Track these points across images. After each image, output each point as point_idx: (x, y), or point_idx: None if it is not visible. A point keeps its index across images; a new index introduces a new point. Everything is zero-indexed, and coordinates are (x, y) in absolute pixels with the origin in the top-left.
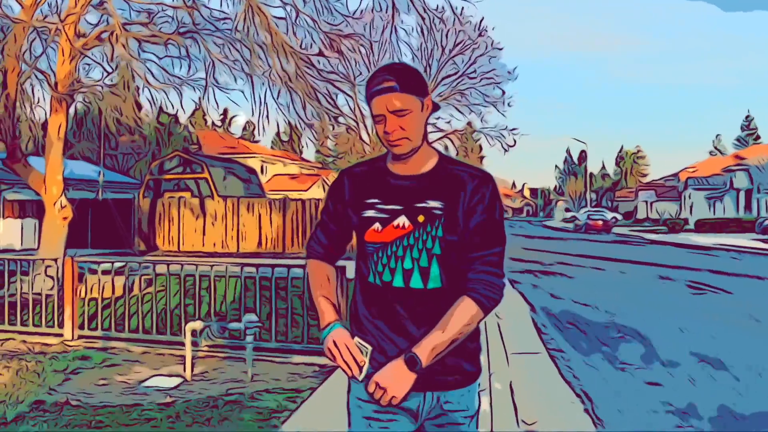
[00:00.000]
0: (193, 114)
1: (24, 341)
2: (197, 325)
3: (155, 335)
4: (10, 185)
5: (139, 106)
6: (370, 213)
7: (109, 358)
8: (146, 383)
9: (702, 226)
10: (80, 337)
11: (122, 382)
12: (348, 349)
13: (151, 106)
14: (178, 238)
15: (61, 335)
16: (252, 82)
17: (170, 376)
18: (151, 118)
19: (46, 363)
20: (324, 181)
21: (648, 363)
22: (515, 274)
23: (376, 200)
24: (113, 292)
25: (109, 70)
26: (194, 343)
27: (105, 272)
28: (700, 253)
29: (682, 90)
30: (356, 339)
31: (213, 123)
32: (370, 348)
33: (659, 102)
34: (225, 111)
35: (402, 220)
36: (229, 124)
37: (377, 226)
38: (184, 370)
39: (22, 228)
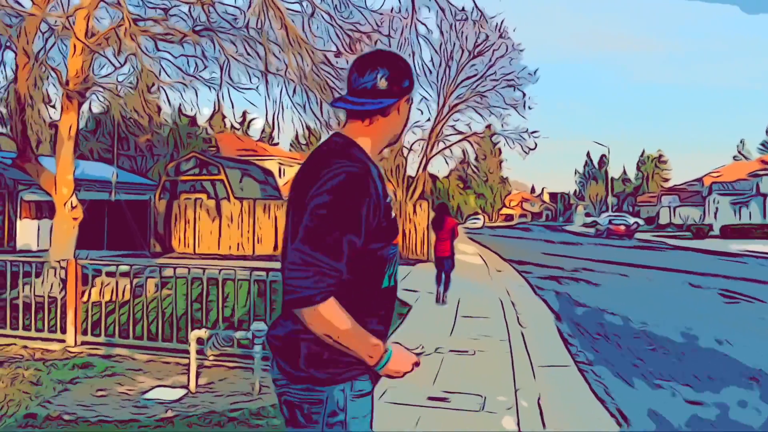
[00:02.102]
0: (212, 116)
1: (25, 347)
2: (202, 333)
3: (161, 342)
4: (27, 186)
5: (159, 108)
6: (393, 213)
7: (111, 367)
8: (148, 395)
9: (727, 232)
10: (83, 343)
11: (123, 393)
12: (417, 364)
13: (169, 105)
14: (193, 240)
15: (63, 341)
16: (266, 80)
17: (173, 387)
18: (170, 120)
19: (43, 372)
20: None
21: (687, 379)
22: (538, 280)
23: (388, 199)
24: (117, 297)
25: (124, 69)
26: (200, 352)
27: (109, 274)
28: (728, 260)
29: (705, 93)
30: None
31: (232, 125)
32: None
33: (681, 105)
34: (244, 113)
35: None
36: (248, 126)
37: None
38: (189, 381)
39: (38, 229)
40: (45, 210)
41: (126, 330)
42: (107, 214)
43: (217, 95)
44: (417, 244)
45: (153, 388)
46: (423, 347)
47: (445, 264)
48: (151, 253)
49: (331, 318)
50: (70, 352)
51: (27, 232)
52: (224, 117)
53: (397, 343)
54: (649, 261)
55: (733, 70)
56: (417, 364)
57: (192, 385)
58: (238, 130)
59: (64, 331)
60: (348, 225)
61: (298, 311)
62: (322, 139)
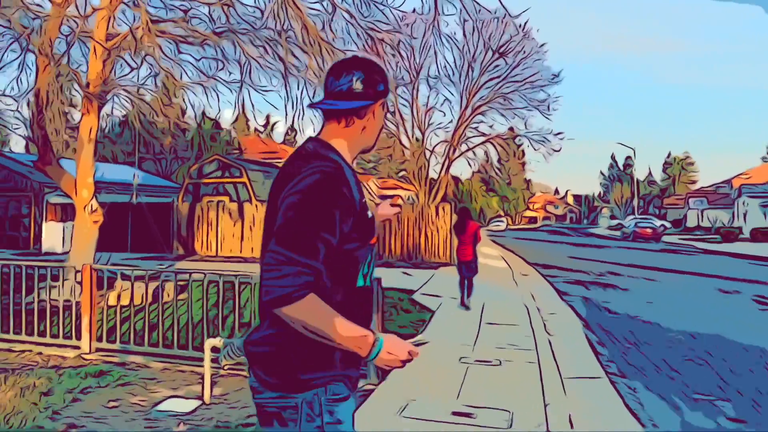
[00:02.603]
0: (236, 119)
1: (40, 353)
2: (217, 342)
3: (176, 350)
4: (53, 189)
5: (183, 111)
6: (370, 213)
7: (125, 375)
8: (160, 407)
9: (757, 236)
10: (98, 350)
11: (135, 404)
12: (414, 354)
13: (193, 109)
14: (216, 242)
15: (78, 348)
16: (286, 81)
17: (187, 398)
18: (193, 124)
19: (55, 380)
20: (365, 186)
21: (727, 393)
22: (564, 285)
23: (364, 199)
24: (133, 302)
25: (143, 72)
26: (216, 360)
27: (125, 278)
28: (760, 264)
29: (731, 94)
30: (410, 341)
31: (255, 128)
32: (421, 339)
33: (707, 106)
34: (267, 117)
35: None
36: (272, 128)
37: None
38: (203, 392)
39: (63, 231)
40: (70, 213)
41: (141, 337)
42: (130, 216)
43: (237, 97)
44: (439, 248)
45: (166, 399)
46: (422, 337)
47: (467, 268)
48: (174, 256)
49: (312, 313)
50: (84, 359)
51: (52, 235)
52: (248, 120)
53: (392, 332)
54: (678, 265)
55: (759, 71)
56: (414, 353)
57: (206, 396)
58: (261, 132)
59: (79, 337)
60: (321, 223)
61: (278, 311)
62: None
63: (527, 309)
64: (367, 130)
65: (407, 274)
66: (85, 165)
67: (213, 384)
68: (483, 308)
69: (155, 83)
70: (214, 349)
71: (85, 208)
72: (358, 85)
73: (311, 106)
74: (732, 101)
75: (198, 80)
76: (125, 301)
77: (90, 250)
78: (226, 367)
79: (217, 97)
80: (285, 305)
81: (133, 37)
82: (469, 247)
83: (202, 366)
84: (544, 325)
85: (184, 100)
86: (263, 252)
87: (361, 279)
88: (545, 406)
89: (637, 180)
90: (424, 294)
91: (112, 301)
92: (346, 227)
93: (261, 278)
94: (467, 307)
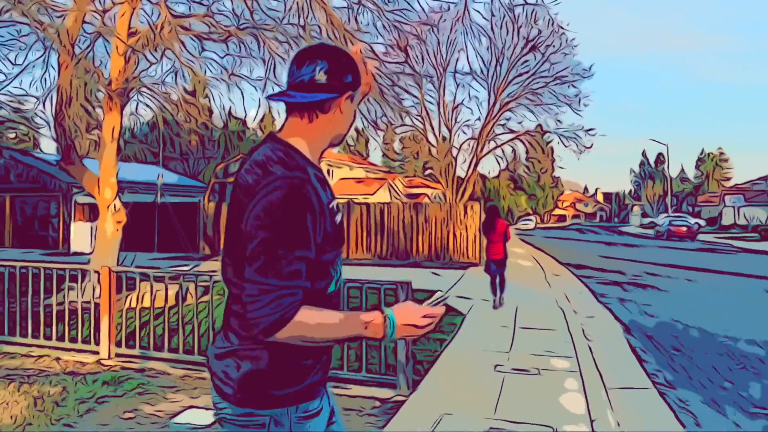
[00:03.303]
0: (262, 119)
1: (58, 359)
2: None
3: (196, 356)
4: (81, 189)
5: (210, 112)
6: (339, 217)
7: (143, 383)
8: (177, 419)
9: None
10: (117, 355)
11: (151, 415)
12: (434, 315)
13: (221, 108)
14: None
15: (97, 353)
16: None
17: (206, 409)
18: (220, 123)
19: (71, 388)
20: (390, 185)
21: None
22: (599, 286)
23: (333, 200)
24: (153, 305)
25: (165, 69)
26: None
27: (144, 279)
28: None
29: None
30: (425, 304)
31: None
32: (439, 294)
33: (742, 103)
34: None
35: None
36: None
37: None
38: None
39: (92, 231)
40: (98, 212)
41: (161, 342)
42: (157, 216)
43: (262, 94)
44: (468, 248)
45: (184, 410)
46: (441, 292)
47: (497, 267)
48: (201, 256)
49: (308, 325)
50: (102, 365)
51: (81, 235)
52: (274, 119)
53: (409, 300)
54: (718, 265)
55: None
56: (433, 315)
57: None
58: None
59: (98, 342)
60: (296, 242)
61: (273, 339)
62: (370, 141)
63: (563, 312)
64: (332, 127)
65: (436, 274)
66: (108, 164)
67: None
68: (516, 311)
69: (176, 80)
70: None
71: (108, 208)
72: (321, 76)
73: (269, 98)
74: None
75: (221, 77)
76: (146, 304)
77: (113, 250)
78: None
79: (242, 95)
80: (277, 331)
81: (153, 32)
82: (500, 245)
83: None
84: (582, 329)
85: (209, 98)
86: (230, 258)
87: (333, 285)
88: (591, 421)
89: (670, 177)
90: (455, 296)
91: (132, 304)
92: (320, 238)
93: (246, 310)
94: (501, 304)
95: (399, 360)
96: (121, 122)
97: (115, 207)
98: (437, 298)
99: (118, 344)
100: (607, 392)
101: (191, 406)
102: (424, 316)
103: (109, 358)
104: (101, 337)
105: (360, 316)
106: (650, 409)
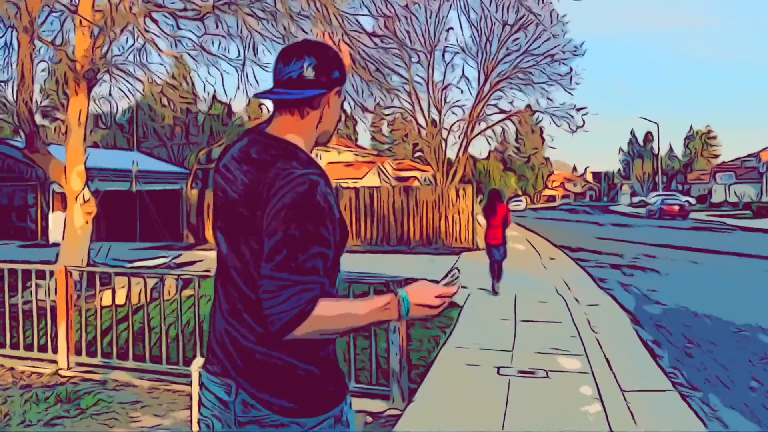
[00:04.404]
0: (249, 103)
1: (12, 369)
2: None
3: (165, 365)
4: (90, 179)
5: (195, 97)
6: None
7: (104, 399)
8: None
9: None
10: (78, 364)
11: None
12: (448, 294)
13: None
14: None
15: (55, 362)
16: None
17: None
18: (204, 108)
19: (16, 409)
20: (380, 168)
21: None
22: (598, 270)
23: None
24: (114, 309)
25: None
26: None
27: (105, 282)
28: None
29: (755, 69)
30: (441, 281)
31: (269, 112)
32: (456, 272)
33: (732, 82)
34: None
35: None
36: None
37: None
38: (191, 422)
39: None
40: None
41: (126, 349)
42: (138, 205)
43: (240, 75)
44: (461, 232)
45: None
46: (456, 271)
47: (497, 251)
48: (185, 245)
49: (326, 318)
50: (61, 376)
51: (59, 226)
52: (261, 104)
53: (422, 279)
54: (715, 245)
55: None
56: (446, 295)
57: (195, 427)
58: None
59: (55, 350)
60: (319, 240)
61: (291, 336)
62: (359, 124)
63: (565, 301)
64: (323, 122)
65: (433, 261)
66: (75, 151)
67: None
68: (516, 301)
69: (141, 58)
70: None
71: (76, 198)
72: (309, 72)
73: (258, 96)
74: (755, 76)
75: (203, 61)
76: (121, 301)
77: (83, 244)
78: None
79: (222, 76)
80: (296, 327)
81: (111, 7)
82: (499, 229)
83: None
84: (588, 321)
85: (186, 80)
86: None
87: (338, 281)
88: None
89: (660, 156)
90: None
91: (105, 302)
92: (336, 237)
93: (264, 308)
94: (496, 293)
95: (392, 368)
96: (88, 106)
97: (84, 197)
98: (452, 278)
99: (78, 352)
100: (624, 397)
101: (156, 426)
102: (438, 296)
103: (68, 368)
104: (59, 345)
105: (376, 301)
106: (675, 417)
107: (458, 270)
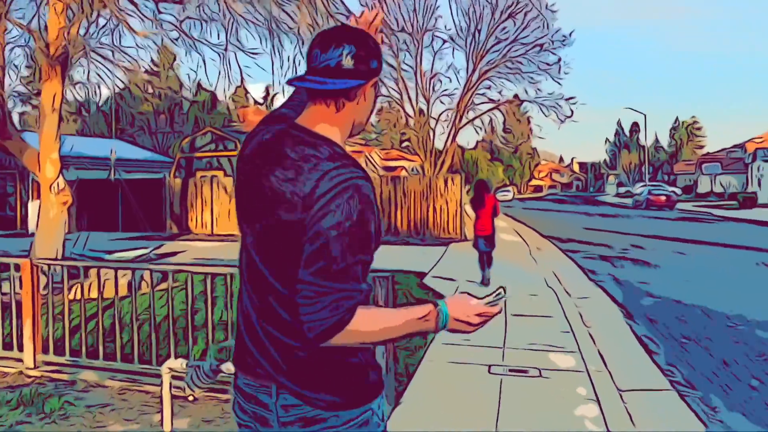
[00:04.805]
0: (234, 92)
1: None
2: (177, 364)
3: (137, 365)
4: (65, 167)
5: (180, 85)
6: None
7: (70, 402)
8: None
9: None
10: (45, 363)
11: None
12: (490, 314)
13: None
14: (211, 220)
15: (21, 360)
16: (272, 36)
17: None
18: (190, 95)
19: None
20: (367, 157)
21: None
22: (587, 261)
23: None
24: (83, 305)
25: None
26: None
27: (72, 276)
28: None
29: (744, 62)
30: (485, 298)
31: (255, 101)
32: (502, 293)
33: (718, 73)
34: (267, 88)
35: None
36: (272, 101)
37: None
38: (162, 425)
39: None
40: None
41: (95, 347)
42: (120, 194)
43: (222, 60)
44: (449, 222)
45: None
46: (502, 291)
47: (486, 242)
48: (168, 235)
49: (366, 328)
50: (27, 376)
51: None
52: (247, 92)
53: (465, 293)
54: (704, 235)
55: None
56: (488, 314)
57: (167, 427)
58: (261, 104)
59: (21, 348)
60: (362, 247)
61: (326, 344)
62: None
63: (555, 293)
64: (358, 115)
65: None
66: (49, 138)
67: (180, 410)
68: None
69: (114, 40)
70: (177, 373)
71: (51, 187)
72: (348, 61)
73: (290, 82)
74: (745, 69)
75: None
76: (95, 295)
77: (57, 235)
78: (190, 398)
79: (204, 63)
80: (332, 336)
81: None
82: (488, 220)
83: (179, 373)
84: (580, 314)
85: (166, 65)
86: (278, 278)
87: (369, 278)
88: None
89: (647, 146)
90: (436, 276)
91: (78, 296)
92: (377, 241)
93: (300, 314)
94: (487, 284)
95: None
96: (62, 91)
97: (58, 186)
98: (496, 297)
99: (46, 350)
100: (621, 396)
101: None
102: (479, 314)
103: (35, 367)
104: (25, 342)
105: (415, 311)
106: (674, 419)
107: (504, 290)
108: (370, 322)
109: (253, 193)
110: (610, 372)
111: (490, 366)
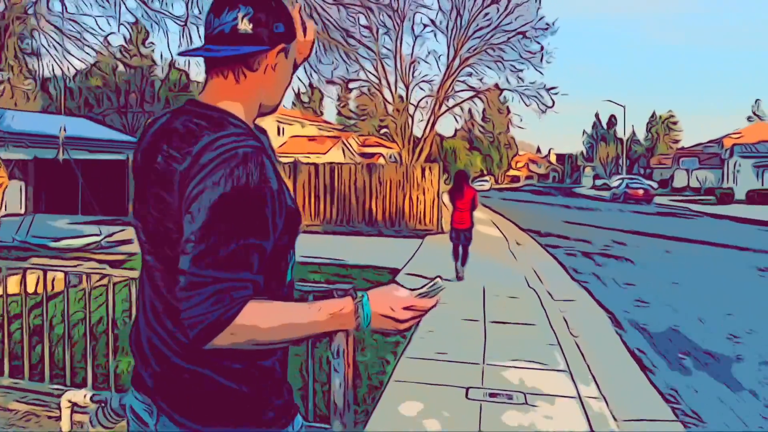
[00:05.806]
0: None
1: None
2: (78, 397)
3: (48, 385)
4: (1, 144)
5: (153, 62)
6: (289, 199)
7: None
8: None
9: (753, 198)
10: None
11: None
12: (421, 308)
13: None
14: None
15: None
16: None
17: None
18: (161, 74)
19: None
20: (344, 143)
21: None
22: (569, 259)
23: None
24: (6, 305)
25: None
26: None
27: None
28: None
29: (721, 55)
30: (416, 291)
31: None
32: (439, 282)
33: (696, 67)
34: None
35: None
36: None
37: None
38: None
39: (21, 191)
40: (15, 171)
41: (1, 361)
42: (81, 175)
43: (182, 32)
44: (426, 213)
45: None
46: (439, 280)
47: (463, 236)
48: (129, 220)
49: (260, 323)
50: None
51: None
52: None
53: (393, 282)
54: (686, 232)
55: (753, 34)
56: (419, 308)
57: None
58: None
59: None
60: (255, 228)
61: (211, 345)
62: (324, 98)
63: (537, 296)
64: (265, 88)
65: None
66: None
67: None
68: (484, 294)
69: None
70: (79, 409)
71: None
72: (245, 25)
73: (182, 54)
74: (723, 63)
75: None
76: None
77: None
78: None
79: (166, 34)
80: (215, 336)
81: None
82: (466, 213)
83: (82, 409)
84: (565, 320)
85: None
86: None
87: (289, 274)
88: None
89: (625, 139)
90: (410, 274)
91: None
92: (280, 221)
93: (180, 310)
94: (461, 278)
95: (334, 401)
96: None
97: None
98: (431, 288)
99: None
100: (617, 427)
101: None
102: (407, 308)
103: None
104: None
105: (325, 306)
106: None
107: (441, 278)
108: (263, 317)
109: (141, 180)
110: (604, 397)
111: (467, 389)
